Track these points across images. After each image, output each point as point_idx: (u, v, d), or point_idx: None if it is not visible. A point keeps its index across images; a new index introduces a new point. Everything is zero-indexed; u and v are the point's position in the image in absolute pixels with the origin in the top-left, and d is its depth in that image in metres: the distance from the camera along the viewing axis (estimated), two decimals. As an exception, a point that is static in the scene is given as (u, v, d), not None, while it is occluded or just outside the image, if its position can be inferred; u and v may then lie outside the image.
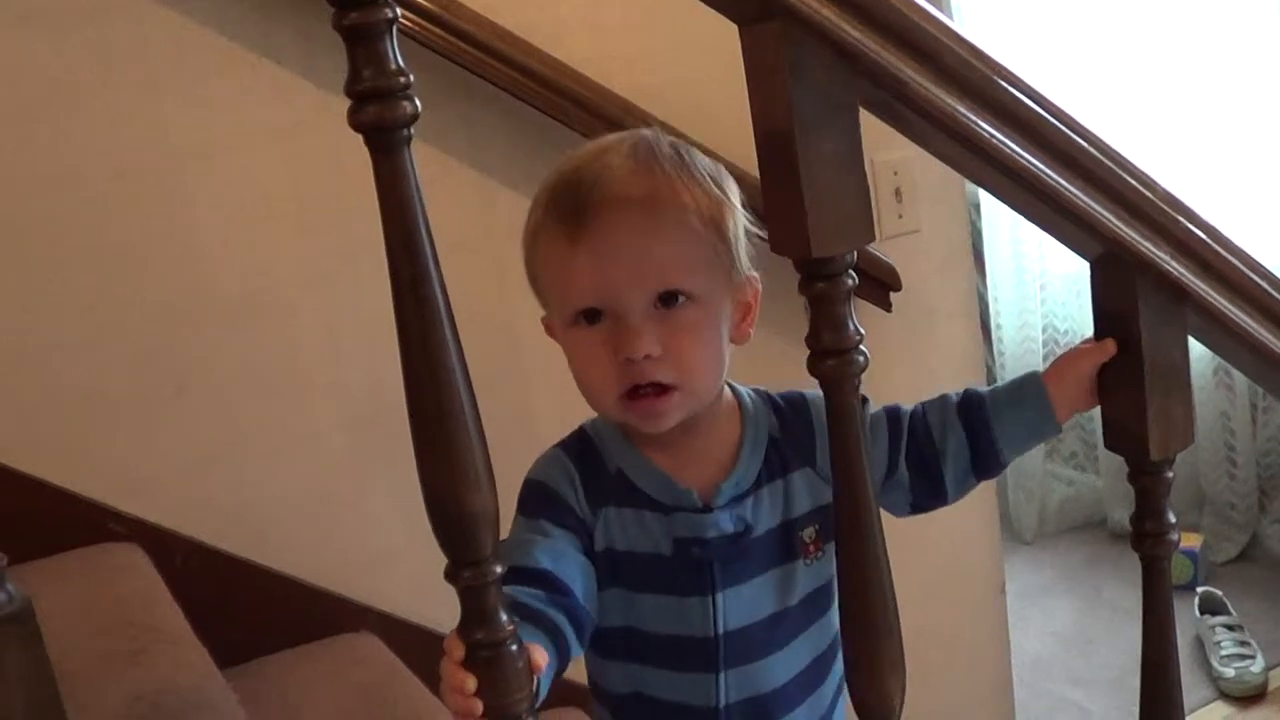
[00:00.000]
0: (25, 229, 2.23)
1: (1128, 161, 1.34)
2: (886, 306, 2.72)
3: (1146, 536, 1.52)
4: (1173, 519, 1.51)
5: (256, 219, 2.37)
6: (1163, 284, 1.40)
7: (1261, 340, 1.50)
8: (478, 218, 2.46)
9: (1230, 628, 4.00)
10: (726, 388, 1.62)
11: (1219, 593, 4.16)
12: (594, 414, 1.58)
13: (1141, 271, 1.39)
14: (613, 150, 1.51)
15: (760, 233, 1.49)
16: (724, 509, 1.57)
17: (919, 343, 2.91)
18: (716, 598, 1.57)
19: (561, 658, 1.38)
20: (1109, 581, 4.47)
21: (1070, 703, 3.90)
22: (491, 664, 1.11)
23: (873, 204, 1.32)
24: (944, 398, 1.66)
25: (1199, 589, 4.18)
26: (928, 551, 2.86)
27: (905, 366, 2.87)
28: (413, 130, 0.99)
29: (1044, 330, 4.73)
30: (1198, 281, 1.42)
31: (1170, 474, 1.50)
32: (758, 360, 2.71)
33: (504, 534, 1.14)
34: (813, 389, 1.33)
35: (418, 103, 0.98)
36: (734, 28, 1.18)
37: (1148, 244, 1.37)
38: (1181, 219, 1.38)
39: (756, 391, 1.66)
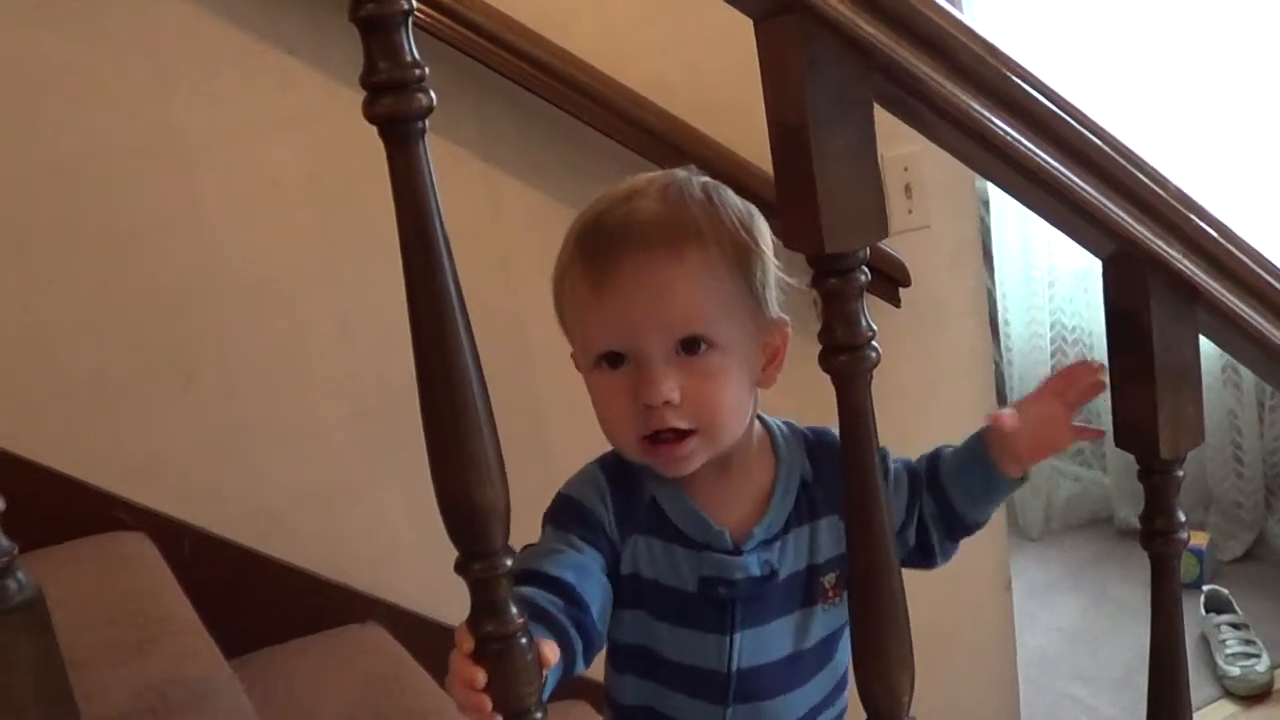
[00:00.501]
0: (35, 218, 2.23)
1: (1140, 159, 1.34)
2: (896, 302, 2.72)
3: (1156, 535, 1.52)
4: (1182, 517, 1.51)
5: (266, 209, 2.37)
6: (1174, 282, 1.40)
7: (1272, 339, 1.50)
8: (486, 209, 2.46)
9: (1236, 626, 4.00)
10: (758, 423, 1.61)
11: (1225, 591, 4.15)
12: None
13: (1153, 269, 1.39)
14: (642, 193, 1.51)
15: (790, 279, 1.52)
16: (753, 552, 1.57)
17: (928, 339, 2.91)
18: (734, 637, 1.58)
19: (567, 668, 1.37)
20: (1115, 579, 4.46)
21: (1075, 700, 3.90)
22: (501, 657, 1.11)
23: (884, 199, 1.32)
24: (922, 460, 1.65)
25: (1205, 587, 4.18)
26: (934, 547, 2.86)
27: (914, 363, 2.87)
28: (428, 123, 0.99)
29: (1052, 327, 4.73)
30: (1209, 280, 1.41)
31: (1181, 472, 1.50)
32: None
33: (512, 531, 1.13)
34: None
35: (433, 95, 0.98)
36: (745, 21, 1.18)
37: (1160, 242, 1.37)
38: (1193, 217, 1.38)
39: (789, 427, 1.65)
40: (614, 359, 1.46)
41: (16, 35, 2.18)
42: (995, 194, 4.53)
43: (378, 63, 0.97)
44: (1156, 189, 1.35)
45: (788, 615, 1.60)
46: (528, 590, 1.39)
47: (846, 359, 1.21)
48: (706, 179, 1.55)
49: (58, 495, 2.26)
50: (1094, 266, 1.46)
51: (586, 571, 1.49)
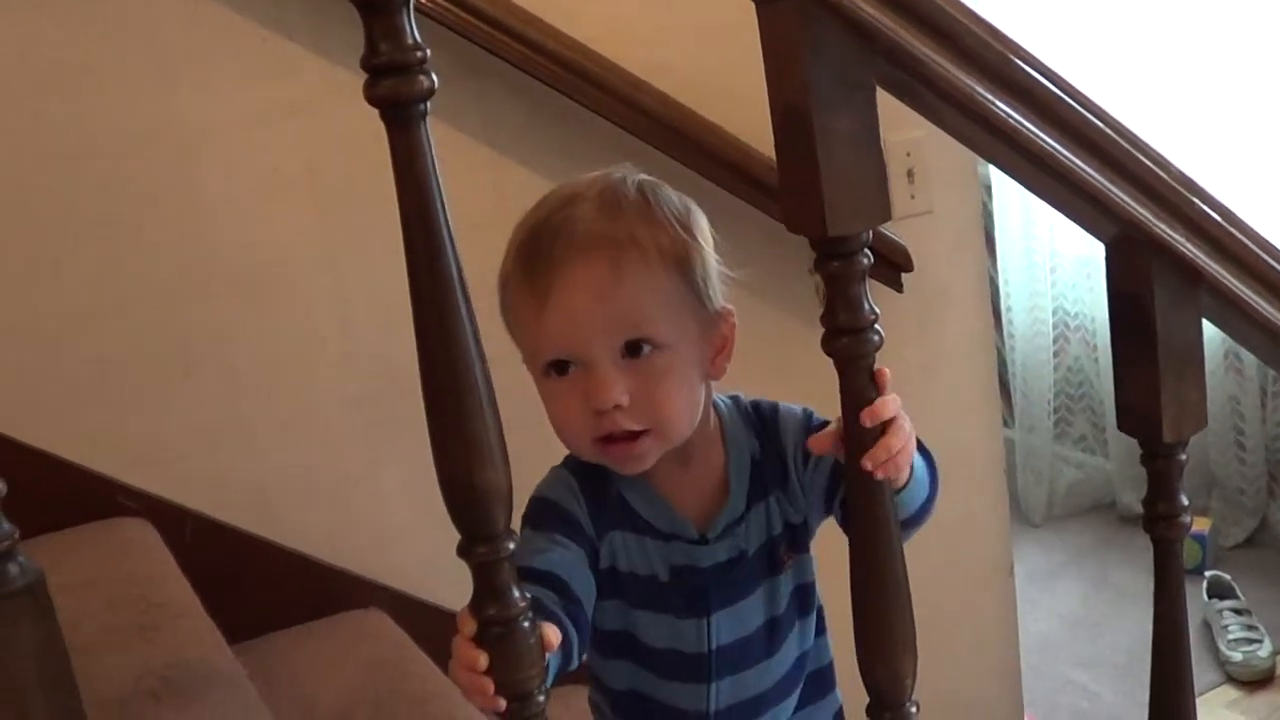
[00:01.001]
0: (38, 206, 2.23)
1: (1143, 142, 1.34)
2: (898, 287, 2.72)
3: (1159, 519, 1.52)
4: (1185, 501, 1.51)
5: (267, 195, 2.37)
6: (1177, 265, 1.40)
7: (1275, 323, 1.49)
8: (489, 195, 2.45)
9: (1238, 612, 4.00)
10: (711, 409, 1.62)
11: (1227, 577, 4.16)
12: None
13: (1156, 253, 1.39)
14: (578, 199, 1.51)
15: (730, 272, 1.54)
16: (720, 540, 1.60)
17: (930, 324, 2.91)
18: (711, 619, 1.61)
19: (565, 659, 1.38)
20: (1117, 565, 4.47)
21: (1077, 685, 3.90)
22: (504, 640, 1.11)
23: (886, 183, 1.32)
24: None
25: (1207, 573, 4.18)
26: (936, 533, 2.84)
27: (916, 348, 2.87)
28: (429, 105, 0.98)
29: (1054, 313, 4.73)
30: (1212, 263, 1.41)
31: (1183, 456, 1.50)
32: (769, 341, 2.72)
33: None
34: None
35: (434, 77, 0.98)
36: (747, 4, 1.18)
37: (1162, 225, 1.37)
38: (1196, 200, 1.38)
39: (734, 404, 1.66)
40: (561, 366, 1.47)
41: (16, 24, 2.18)
42: (998, 180, 4.53)
43: (379, 45, 0.96)
44: (1159, 172, 1.35)
45: (758, 588, 1.62)
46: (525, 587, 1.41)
47: (849, 342, 1.22)
48: (643, 178, 1.56)
49: (59, 481, 2.26)
50: (1096, 252, 1.46)
51: (575, 567, 1.51)
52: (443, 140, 0.99)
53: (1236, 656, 3.85)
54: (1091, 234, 1.43)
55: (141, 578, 2.16)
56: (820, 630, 1.74)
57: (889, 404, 1.28)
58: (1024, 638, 3.33)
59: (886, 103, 1.22)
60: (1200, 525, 4.29)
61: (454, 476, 1.06)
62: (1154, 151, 1.35)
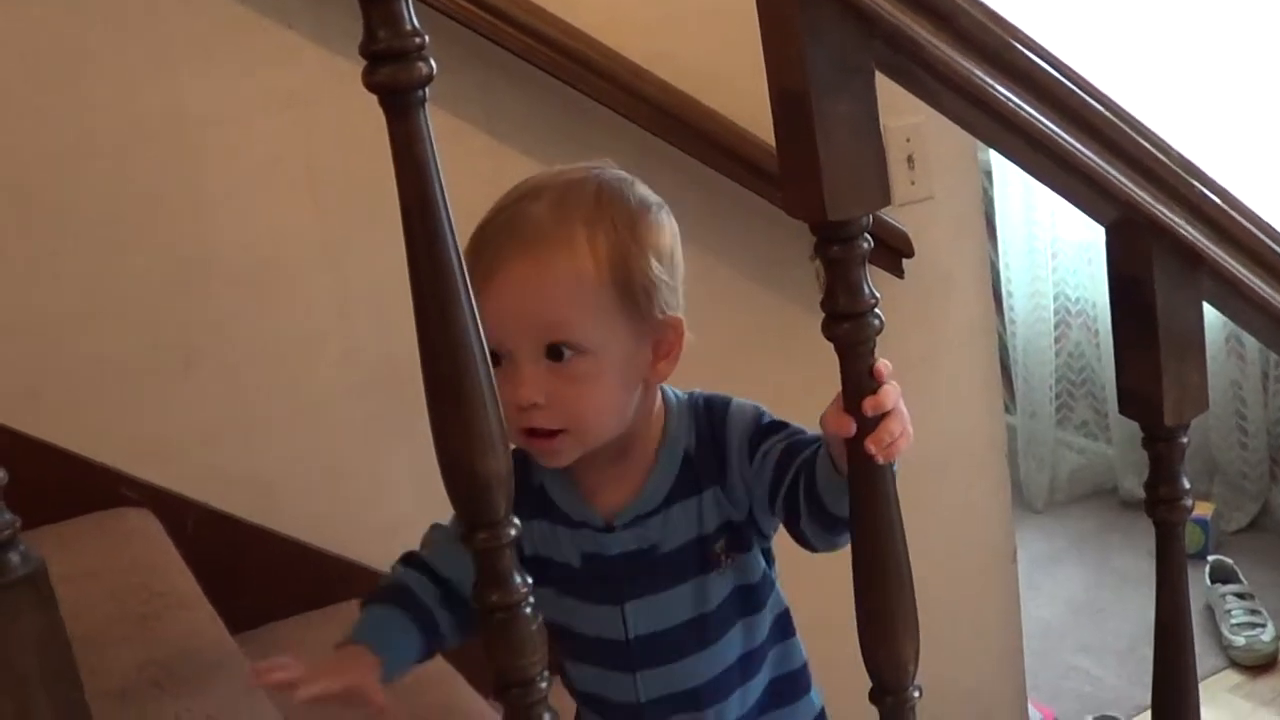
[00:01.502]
0: (37, 197, 2.23)
1: (1143, 125, 1.34)
2: (899, 273, 2.72)
3: (1160, 502, 1.52)
4: (1187, 485, 1.51)
5: (267, 185, 2.37)
6: (1178, 248, 1.40)
7: (1276, 305, 1.49)
8: (490, 184, 2.45)
9: (1241, 596, 4.00)
10: (659, 398, 1.64)
11: (1230, 561, 4.16)
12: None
13: (1156, 236, 1.38)
14: (535, 194, 1.53)
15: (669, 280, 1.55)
16: (626, 528, 1.62)
17: (931, 309, 2.91)
18: (625, 608, 1.64)
19: (429, 644, 1.62)
20: (1120, 550, 4.47)
21: (1080, 670, 3.91)
22: (505, 626, 1.11)
23: (886, 169, 1.32)
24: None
25: (1210, 557, 4.18)
26: (938, 519, 2.86)
27: (917, 333, 2.87)
28: (428, 91, 0.98)
29: (1055, 299, 4.73)
30: (1213, 246, 1.41)
31: (1185, 440, 1.49)
32: (769, 326, 2.72)
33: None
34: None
35: (433, 63, 0.98)
36: (747, -7, 1.17)
37: (1162, 208, 1.36)
38: (1196, 183, 1.38)
39: (688, 398, 1.67)
40: (494, 357, 1.48)
41: (15, 13, 2.18)
42: (998, 165, 4.52)
43: (377, 31, 0.96)
44: (1159, 155, 1.35)
45: (683, 584, 1.64)
46: (411, 571, 1.67)
47: (849, 326, 1.22)
48: (611, 176, 1.58)
49: (62, 472, 2.26)
50: (1097, 238, 1.46)
51: (466, 566, 1.55)
52: (443, 129, 0.99)
53: (1239, 641, 3.85)
54: (1092, 217, 1.43)
55: (144, 568, 2.16)
56: (787, 634, 1.75)
57: (890, 394, 1.28)
58: (1026, 623, 3.33)
59: (886, 88, 1.22)
60: (1202, 510, 4.30)
61: (455, 464, 1.06)
62: (1154, 134, 1.34)
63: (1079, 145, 1.29)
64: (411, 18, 0.97)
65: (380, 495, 2.50)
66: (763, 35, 1.18)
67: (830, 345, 1.25)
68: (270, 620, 2.40)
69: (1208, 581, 4.08)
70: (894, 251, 2.69)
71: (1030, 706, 3.42)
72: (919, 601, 1.32)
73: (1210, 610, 4.02)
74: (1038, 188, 4.07)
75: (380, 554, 2.32)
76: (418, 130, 0.98)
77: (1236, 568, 4.13)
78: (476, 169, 2.36)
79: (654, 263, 1.54)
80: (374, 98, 0.99)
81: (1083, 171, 1.31)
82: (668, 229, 1.58)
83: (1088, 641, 4.03)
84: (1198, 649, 1.59)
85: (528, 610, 1.11)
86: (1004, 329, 4.72)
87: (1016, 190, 4.61)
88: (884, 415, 1.28)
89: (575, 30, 2.39)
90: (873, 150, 1.19)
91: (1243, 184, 1.49)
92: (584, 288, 1.48)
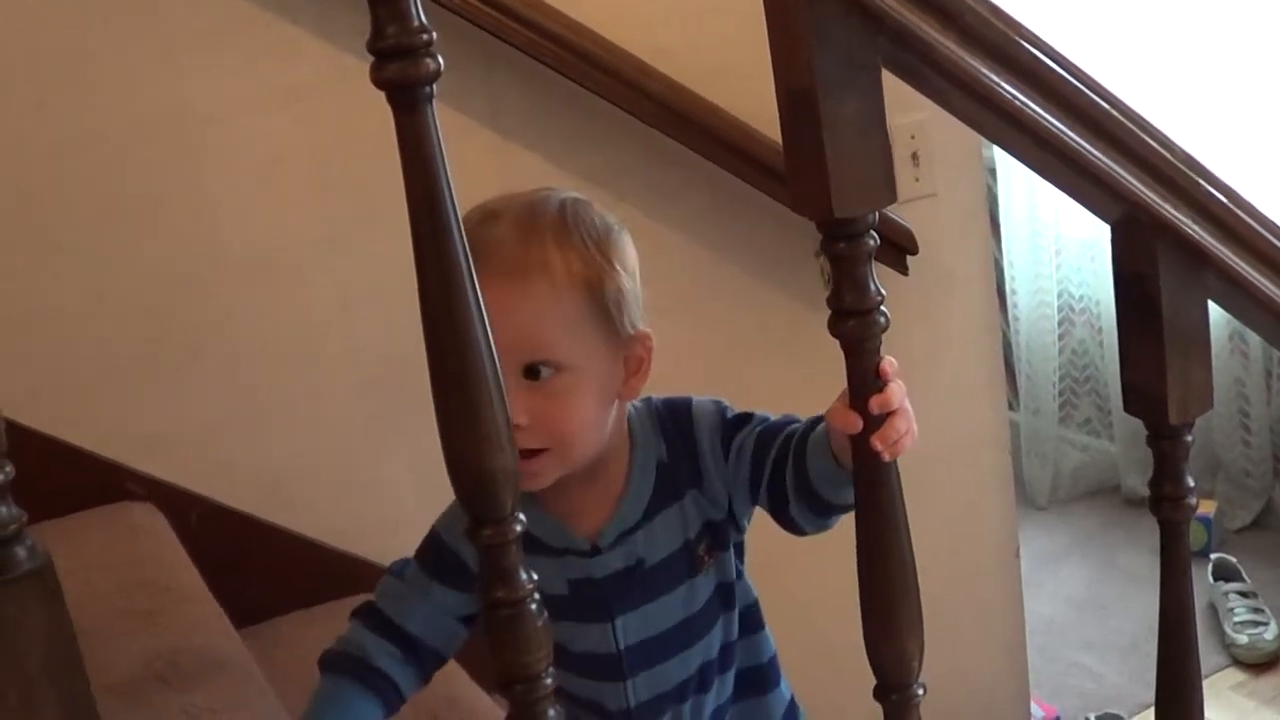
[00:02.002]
0: (41, 192, 2.23)
1: (1148, 123, 1.34)
2: (903, 270, 2.71)
3: (1164, 500, 1.52)
4: (1191, 483, 1.51)
5: (271, 181, 2.36)
6: (1183, 247, 1.40)
7: (1281, 304, 1.49)
8: (494, 179, 2.45)
9: (1244, 594, 4.00)
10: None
11: (1233, 559, 4.15)
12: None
13: (1161, 234, 1.38)
14: (498, 217, 1.53)
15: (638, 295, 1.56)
16: (612, 549, 1.63)
17: (935, 307, 2.91)
18: (616, 623, 1.65)
19: (388, 709, 1.66)
20: (1122, 547, 4.46)
21: (1083, 668, 3.90)
22: (511, 623, 1.11)
23: (890, 166, 1.32)
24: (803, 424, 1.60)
25: (1213, 555, 4.18)
26: (942, 516, 2.86)
27: (921, 331, 2.87)
28: (435, 88, 0.98)
29: (1059, 296, 4.72)
30: (1218, 245, 1.41)
31: (1189, 438, 1.50)
32: (775, 324, 2.72)
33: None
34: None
35: (440, 60, 0.98)
36: (752, -11, 1.18)
37: (1168, 206, 1.37)
38: (1202, 182, 1.38)
39: (645, 406, 1.68)
40: None
41: (18, 10, 2.18)
42: (1002, 162, 4.52)
43: (385, 28, 0.96)
44: (1165, 153, 1.35)
45: (674, 590, 1.65)
46: (369, 634, 1.68)
47: (855, 324, 1.22)
48: (566, 198, 1.57)
49: (67, 466, 2.26)
50: (1101, 236, 1.46)
51: (434, 619, 1.68)
52: (448, 125, 0.99)
53: (1242, 639, 3.85)
54: (1097, 215, 1.43)
55: (148, 563, 2.17)
56: (756, 626, 1.76)
57: (896, 392, 1.28)
58: (1029, 620, 3.33)
59: (891, 85, 1.22)
60: (1205, 508, 4.29)
61: (462, 461, 1.06)
62: (1159, 133, 1.35)
63: (1085, 143, 1.30)
64: (419, 14, 0.97)
65: (384, 491, 2.50)
66: (769, 32, 1.18)
67: (836, 342, 1.25)
68: (274, 615, 2.40)
69: (1210, 579, 4.07)
70: (898, 248, 2.68)
71: (1033, 704, 3.42)
72: (924, 598, 1.32)
73: (1213, 608, 4.02)
74: (1042, 185, 4.07)
75: (384, 549, 2.33)
76: (426, 126, 0.99)
77: (1239, 566, 4.13)
78: (480, 165, 2.37)
79: (624, 278, 1.55)
80: (378, 93, 0.99)
81: (1088, 169, 1.32)
82: (630, 245, 1.59)
83: (1090, 639, 4.03)
84: (1200, 647, 1.59)
85: (533, 606, 1.11)
86: (1007, 326, 4.71)
87: (1020, 187, 4.61)
88: (890, 413, 1.28)
89: (580, 26, 2.39)
90: (879, 147, 1.19)
91: (1248, 182, 1.49)
92: (561, 306, 1.49)
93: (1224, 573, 4.11)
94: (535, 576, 1.12)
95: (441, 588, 1.68)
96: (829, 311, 1.24)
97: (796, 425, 1.58)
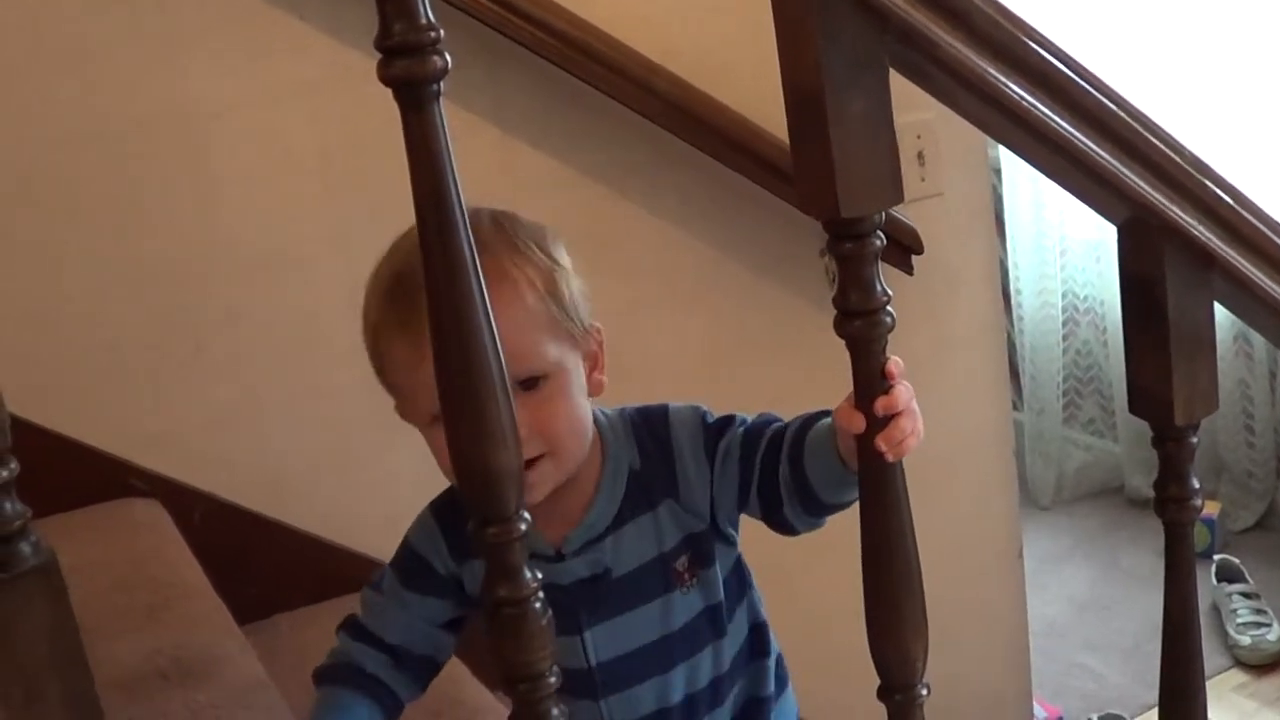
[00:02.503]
0: (47, 184, 2.23)
1: (1156, 125, 1.34)
2: (908, 270, 2.71)
3: (1169, 502, 1.52)
4: (1196, 484, 1.51)
5: (277, 176, 2.36)
6: (1189, 249, 1.39)
7: (1287, 306, 1.49)
8: (499, 176, 2.46)
9: (1247, 596, 4.00)
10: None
11: (1236, 560, 4.16)
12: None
13: (1168, 236, 1.38)
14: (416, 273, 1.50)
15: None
16: (577, 555, 1.61)
17: (940, 306, 2.91)
18: (585, 636, 1.63)
19: (389, 713, 1.66)
20: (1126, 548, 4.47)
21: (1086, 669, 3.90)
22: (515, 621, 1.11)
23: (896, 166, 1.32)
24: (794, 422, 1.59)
25: (1216, 557, 4.18)
26: (945, 517, 2.86)
27: (926, 330, 2.87)
28: (442, 85, 0.98)
29: (1064, 296, 4.72)
30: (1224, 247, 1.41)
31: (1194, 439, 1.49)
32: (780, 324, 2.72)
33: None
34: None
35: (448, 57, 0.98)
36: (758, -13, 1.17)
37: (1175, 208, 1.36)
38: (1209, 183, 1.38)
39: (618, 415, 1.66)
40: None
41: (21, 5, 2.18)
42: (1008, 163, 4.52)
43: (393, 25, 0.96)
44: (1172, 155, 1.34)
45: (647, 604, 1.62)
46: (356, 646, 1.68)
47: (861, 324, 1.22)
48: (486, 210, 1.55)
49: (71, 462, 2.26)
50: (1106, 236, 1.46)
51: (414, 628, 1.67)
52: (453, 122, 0.99)
53: (1245, 640, 3.85)
54: (1103, 216, 1.43)
55: (152, 559, 2.17)
56: (760, 653, 1.73)
57: (902, 394, 1.27)
58: (1032, 621, 3.33)
59: (897, 85, 1.22)
60: (1209, 509, 4.29)
61: (467, 460, 1.06)
62: (1167, 134, 1.34)
63: (1092, 144, 1.29)
64: (427, 11, 0.97)
65: (387, 487, 2.50)
66: (777, 31, 1.18)
67: (841, 341, 1.25)
68: (277, 612, 2.40)
69: (1214, 581, 4.08)
70: (903, 248, 2.68)
71: (1035, 704, 3.42)
72: (927, 598, 1.32)
73: (1216, 609, 4.02)
74: (1047, 185, 4.08)
75: (387, 546, 2.32)
76: (432, 123, 0.98)
77: (1243, 567, 4.13)
78: (486, 162, 2.38)
79: (573, 275, 1.54)
80: (385, 90, 0.99)
81: (1095, 171, 1.31)
82: (562, 244, 1.58)
83: (1093, 639, 4.03)
84: (1204, 648, 1.58)
85: (536, 605, 1.11)
86: (1012, 326, 4.72)
87: (1026, 188, 4.61)
88: (895, 413, 1.27)
89: (586, 23, 2.39)
90: (886, 147, 1.19)
91: (1254, 184, 1.49)
92: (533, 315, 1.49)
93: (1227, 574, 4.11)
94: (539, 575, 1.12)
95: (417, 597, 1.67)
96: (834, 311, 1.24)
97: (781, 423, 1.57)
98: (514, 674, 1.13)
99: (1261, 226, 1.43)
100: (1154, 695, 1.61)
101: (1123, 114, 1.31)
